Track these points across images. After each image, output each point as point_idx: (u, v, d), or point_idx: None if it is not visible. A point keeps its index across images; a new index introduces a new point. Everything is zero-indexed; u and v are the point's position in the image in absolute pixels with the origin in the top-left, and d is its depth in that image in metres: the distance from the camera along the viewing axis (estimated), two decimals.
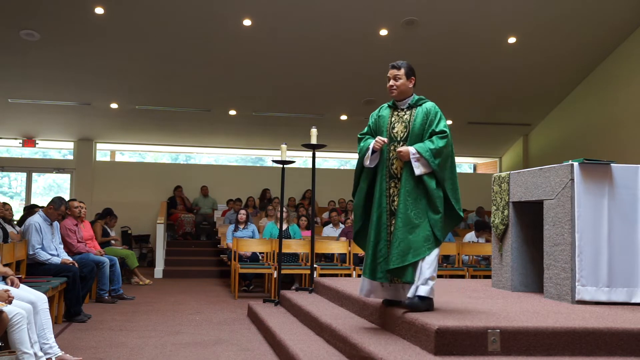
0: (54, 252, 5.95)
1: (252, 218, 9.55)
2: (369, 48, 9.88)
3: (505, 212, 4.98)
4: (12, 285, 3.91)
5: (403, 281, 3.57)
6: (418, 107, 3.74)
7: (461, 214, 3.67)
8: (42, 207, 6.71)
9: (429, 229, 3.54)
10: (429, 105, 3.73)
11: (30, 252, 5.72)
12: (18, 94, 10.93)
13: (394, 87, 3.75)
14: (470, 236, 8.81)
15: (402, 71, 3.74)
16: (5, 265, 4.46)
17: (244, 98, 11.43)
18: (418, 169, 3.55)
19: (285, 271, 7.30)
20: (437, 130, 3.60)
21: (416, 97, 3.80)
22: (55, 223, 6.17)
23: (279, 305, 5.83)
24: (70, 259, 6.09)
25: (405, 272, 3.51)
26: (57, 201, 6.03)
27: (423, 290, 3.48)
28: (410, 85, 3.76)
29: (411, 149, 3.57)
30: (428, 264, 3.50)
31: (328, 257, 8.52)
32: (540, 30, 9.64)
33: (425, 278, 3.49)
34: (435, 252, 3.55)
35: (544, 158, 12.07)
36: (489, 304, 4.01)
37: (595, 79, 10.99)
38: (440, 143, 3.54)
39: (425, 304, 3.49)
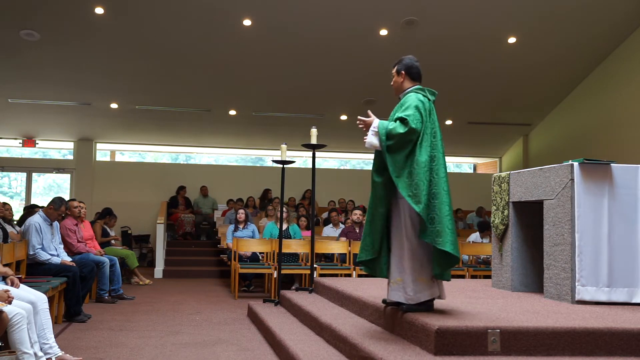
0: (54, 252, 5.95)
1: (252, 218, 9.55)
2: (369, 48, 9.88)
3: (505, 212, 4.98)
4: (12, 285, 3.91)
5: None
6: (401, 99, 3.76)
7: (416, 208, 3.37)
8: (42, 207, 6.71)
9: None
10: (409, 95, 3.70)
11: (31, 252, 5.72)
12: (18, 94, 10.93)
13: (392, 85, 3.86)
14: (475, 237, 8.80)
15: (395, 68, 3.83)
16: (5, 265, 4.46)
17: (244, 98, 11.43)
18: (369, 140, 3.54)
19: (285, 271, 7.30)
20: (399, 115, 3.55)
21: (408, 90, 3.75)
22: (55, 223, 6.17)
23: (279, 305, 5.83)
24: (70, 259, 6.09)
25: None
26: (57, 201, 6.03)
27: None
28: (401, 80, 3.78)
29: (375, 122, 3.57)
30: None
31: (328, 257, 8.52)
32: (540, 30, 9.64)
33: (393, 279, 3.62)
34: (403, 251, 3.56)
35: (544, 158, 12.07)
36: (489, 304, 4.01)
37: (595, 79, 10.99)
38: (399, 128, 3.47)
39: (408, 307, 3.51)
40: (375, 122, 3.56)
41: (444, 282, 3.62)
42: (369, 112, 3.68)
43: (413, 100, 3.60)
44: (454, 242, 3.38)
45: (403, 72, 3.77)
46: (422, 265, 3.50)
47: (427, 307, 3.53)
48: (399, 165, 3.48)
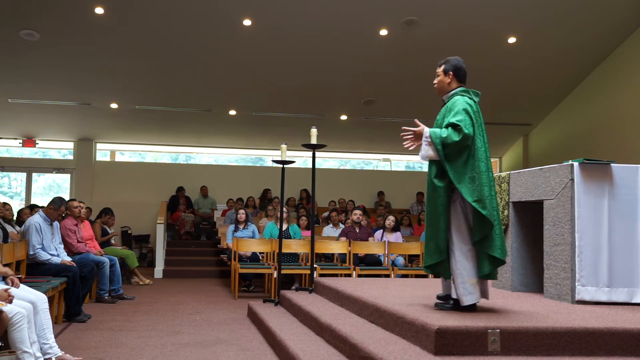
0: (54, 252, 5.95)
1: (252, 218, 9.55)
2: (369, 48, 9.88)
3: (505, 212, 4.98)
4: (12, 285, 3.91)
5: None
6: (447, 103, 3.71)
7: (483, 212, 3.41)
8: (42, 207, 6.71)
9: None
10: (455, 98, 3.65)
11: (31, 252, 5.72)
12: (18, 94, 10.94)
13: (435, 84, 3.82)
14: None
15: (441, 68, 3.78)
16: (5, 265, 4.45)
17: (244, 98, 11.43)
18: (424, 152, 3.53)
19: (285, 271, 7.30)
20: (450, 121, 3.51)
21: (454, 92, 3.72)
22: (55, 223, 6.17)
23: (279, 305, 5.83)
24: (70, 259, 6.09)
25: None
26: (57, 201, 6.03)
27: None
28: (448, 81, 3.74)
29: (425, 131, 3.53)
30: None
31: (328, 257, 8.52)
32: (540, 30, 9.64)
33: None
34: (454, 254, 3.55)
35: (544, 158, 12.07)
36: (489, 304, 4.01)
37: (595, 79, 10.99)
38: (453, 136, 3.44)
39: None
40: (427, 132, 3.52)
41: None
42: (417, 121, 3.62)
43: (461, 103, 3.57)
44: (502, 247, 3.48)
45: (451, 72, 3.74)
46: (472, 268, 3.53)
47: (471, 309, 3.57)
48: (460, 172, 3.48)
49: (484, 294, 3.62)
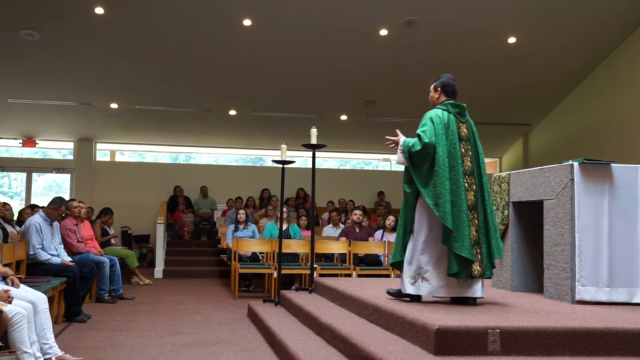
0: (54, 252, 5.95)
1: (252, 218, 9.54)
2: (369, 48, 9.88)
3: (505, 212, 4.98)
4: (12, 285, 3.91)
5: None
6: None
7: (437, 214, 3.77)
8: (42, 207, 6.71)
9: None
10: (428, 113, 4.03)
11: (31, 253, 5.72)
12: (18, 94, 10.93)
13: (430, 99, 4.22)
14: None
15: (432, 85, 4.20)
16: (5, 265, 4.45)
17: (244, 98, 11.43)
18: (398, 158, 4.01)
19: (285, 271, 7.30)
20: (417, 132, 3.94)
21: (436, 107, 4.09)
22: (55, 223, 6.17)
23: (279, 305, 5.83)
24: (69, 259, 6.09)
25: None
26: (57, 201, 6.03)
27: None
28: (437, 96, 4.14)
29: (400, 140, 4.01)
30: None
31: (328, 257, 8.52)
32: (540, 30, 9.64)
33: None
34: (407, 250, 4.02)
35: (544, 158, 12.07)
36: (489, 304, 4.01)
37: (595, 79, 10.99)
38: (416, 145, 3.88)
39: None
40: (401, 141, 3.98)
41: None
42: (398, 130, 4.08)
43: (429, 115, 3.97)
44: (469, 247, 3.78)
45: (439, 88, 4.13)
46: (440, 267, 3.90)
47: (462, 302, 3.89)
48: (424, 177, 3.87)
49: (473, 292, 3.89)
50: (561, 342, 3.08)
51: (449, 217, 3.74)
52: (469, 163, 3.93)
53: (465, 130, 3.99)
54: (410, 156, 3.90)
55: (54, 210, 5.98)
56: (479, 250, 3.86)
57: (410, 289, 3.94)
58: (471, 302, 3.87)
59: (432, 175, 3.82)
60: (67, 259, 6.09)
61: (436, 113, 3.96)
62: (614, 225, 4.18)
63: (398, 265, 4.09)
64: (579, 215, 4.15)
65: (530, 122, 12.95)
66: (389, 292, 4.20)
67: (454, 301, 3.93)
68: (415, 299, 3.99)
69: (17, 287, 3.93)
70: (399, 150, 3.96)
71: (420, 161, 3.88)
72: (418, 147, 3.85)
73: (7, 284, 3.95)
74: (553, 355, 3.05)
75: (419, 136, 3.88)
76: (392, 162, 14.88)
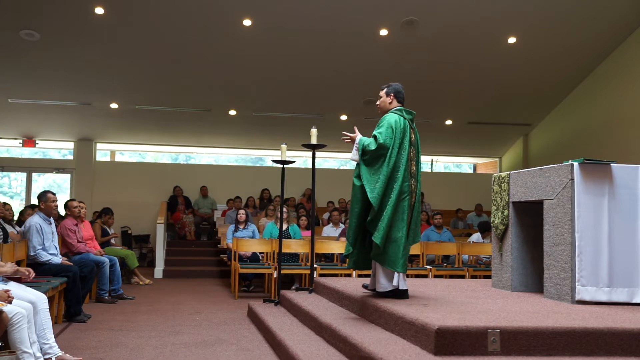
0: (54, 252, 5.95)
1: (252, 218, 9.54)
2: (369, 48, 9.88)
3: (505, 212, 4.98)
4: (28, 275, 4.10)
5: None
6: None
7: (371, 200, 4.06)
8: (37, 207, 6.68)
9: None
10: (386, 115, 4.31)
11: (32, 253, 5.71)
12: (18, 94, 10.93)
13: (377, 104, 4.50)
14: (477, 237, 8.80)
15: (384, 91, 4.44)
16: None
17: (244, 98, 11.43)
18: (352, 154, 4.27)
19: (285, 271, 7.30)
20: (374, 133, 4.19)
21: (391, 111, 4.36)
22: (53, 224, 6.12)
23: (279, 305, 5.83)
24: (64, 259, 6.09)
25: None
26: (41, 195, 5.96)
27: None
28: (389, 101, 4.40)
29: (357, 138, 4.26)
30: None
31: (328, 257, 8.52)
32: (540, 30, 9.64)
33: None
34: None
35: (544, 158, 12.07)
36: (489, 304, 4.01)
37: (595, 79, 10.99)
38: (372, 145, 4.14)
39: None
40: (357, 138, 4.25)
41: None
42: (355, 128, 4.35)
43: (388, 119, 4.23)
44: (384, 238, 4.04)
45: (392, 94, 4.40)
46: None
47: (393, 294, 4.16)
48: (370, 173, 4.15)
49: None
50: (561, 342, 3.08)
51: (376, 207, 4.05)
52: (414, 167, 4.27)
53: (413, 136, 4.30)
54: (363, 154, 4.18)
55: (44, 203, 5.91)
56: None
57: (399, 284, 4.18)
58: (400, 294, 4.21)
59: (378, 173, 4.11)
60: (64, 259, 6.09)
61: (394, 118, 4.22)
62: (614, 225, 4.19)
63: (347, 259, 4.32)
64: (579, 215, 4.15)
65: (530, 122, 12.95)
66: (364, 286, 4.58)
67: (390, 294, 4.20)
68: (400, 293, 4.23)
69: (31, 278, 4.07)
70: (354, 147, 4.23)
71: (372, 160, 4.15)
72: (373, 147, 4.12)
73: (20, 278, 4.11)
74: (553, 355, 3.05)
75: (375, 137, 4.14)
76: None
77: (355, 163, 4.29)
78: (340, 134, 4.58)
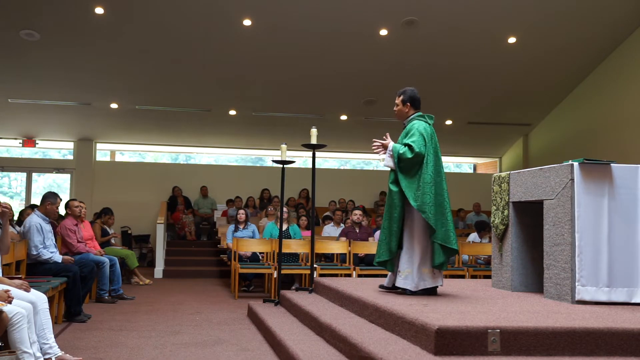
0: (54, 250, 5.95)
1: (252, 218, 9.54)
2: (369, 48, 9.88)
3: (505, 212, 4.98)
4: (25, 289, 3.93)
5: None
6: (407, 126, 4.53)
7: (422, 215, 4.24)
8: (37, 206, 6.68)
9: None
10: (413, 123, 4.48)
11: (34, 253, 5.70)
12: (18, 94, 10.93)
13: (395, 111, 4.66)
14: (474, 237, 8.80)
15: (400, 98, 4.60)
16: (5, 265, 4.46)
17: (244, 98, 11.43)
18: (387, 161, 4.44)
19: (285, 271, 7.30)
20: (407, 142, 4.36)
21: (412, 117, 4.55)
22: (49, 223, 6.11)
23: (279, 305, 5.83)
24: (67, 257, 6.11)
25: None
26: (50, 196, 5.97)
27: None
28: (406, 110, 4.58)
29: (390, 145, 4.46)
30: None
31: (328, 257, 8.52)
32: (540, 29, 9.64)
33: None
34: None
35: (544, 158, 12.07)
36: (489, 304, 4.01)
37: (595, 79, 10.99)
38: (407, 153, 4.31)
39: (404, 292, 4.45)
40: (391, 145, 4.43)
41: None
42: (387, 134, 4.53)
43: (417, 127, 4.41)
44: (455, 240, 4.34)
45: (408, 103, 4.56)
46: (426, 260, 4.37)
47: (429, 292, 4.40)
48: (410, 181, 4.33)
49: (441, 282, 4.45)
50: (561, 342, 3.08)
51: (432, 217, 4.23)
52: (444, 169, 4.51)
53: (436, 138, 4.52)
54: (399, 162, 4.35)
55: (51, 205, 5.92)
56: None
57: (400, 283, 4.42)
58: (435, 291, 4.45)
59: (415, 180, 4.30)
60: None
61: (423, 125, 4.42)
62: (613, 225, 4.18)
63: (384, 264, 4.49)
64: (579, 215, 4.15)
65: (530, 122, 12.96)
66: (381, 287, 4.66)
67: (425, 292, 4.39)
68: (404, 292, 4.42)
69: (28, 290, 3.94)
70: (387, 154, 4.41)
71: (409, 167, 4.34)
72: (409, 155, 4.30)
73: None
74: (553, 355, 3.05)
75: (410, 146, 4.31)
76: None
77: (388, 169, 4.50)
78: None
